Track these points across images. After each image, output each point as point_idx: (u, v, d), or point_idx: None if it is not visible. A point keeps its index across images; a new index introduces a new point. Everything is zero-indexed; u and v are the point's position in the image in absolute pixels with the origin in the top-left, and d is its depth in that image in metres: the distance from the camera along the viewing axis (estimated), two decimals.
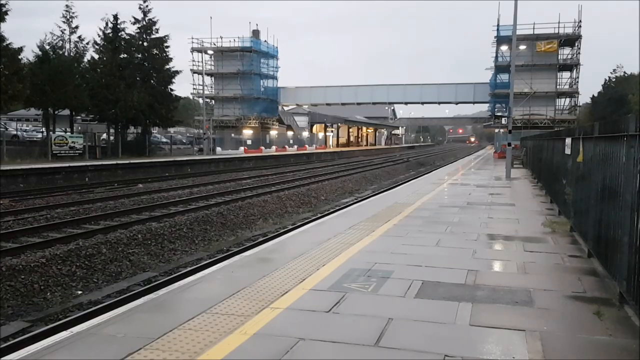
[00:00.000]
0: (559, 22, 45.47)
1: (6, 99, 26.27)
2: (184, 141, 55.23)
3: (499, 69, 47.01)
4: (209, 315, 4.73)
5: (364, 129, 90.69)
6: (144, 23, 38.34)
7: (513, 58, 25.54)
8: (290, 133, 63.10)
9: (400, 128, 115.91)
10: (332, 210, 16.75)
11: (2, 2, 25.94)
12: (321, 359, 3.86)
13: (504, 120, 47.55)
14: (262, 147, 50.06)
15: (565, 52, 46.73)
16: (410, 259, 6.97)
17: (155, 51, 38.74)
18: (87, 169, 25.55)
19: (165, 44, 39.00)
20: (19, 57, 27.69)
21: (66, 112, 33.98)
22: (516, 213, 11.49)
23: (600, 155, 6.35)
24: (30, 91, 28.48)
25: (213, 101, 58.66)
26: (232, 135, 53.14)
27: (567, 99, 48.20)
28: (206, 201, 17.60)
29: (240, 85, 55.49)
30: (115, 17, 36.71)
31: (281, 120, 64.31)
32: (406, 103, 66.85)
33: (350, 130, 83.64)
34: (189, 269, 9.59)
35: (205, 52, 54.00)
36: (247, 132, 53.25)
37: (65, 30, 34.13)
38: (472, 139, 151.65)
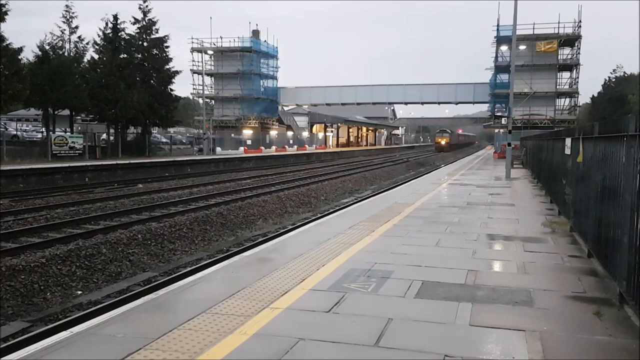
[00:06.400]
0: (558, 22, 45.52)
1: (6, 99, 26.25)
2: (184, 141, 55.28)
3: (499, 69, 47.03)
4: (208, 316, 4.73)
5: (364, 129, 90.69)
6: (144, 23, 38.34)
7: (513, 58, 25.55)
8: (290, 133, 63.09)
9: (400, 128, 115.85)
10: (332, 210, 16.74)
11: (2, 2, 25.94)
12: (321, 359, 3.86)
13: (503, 120, 47.56)
14: (262, 147, 50.05)
15: (565, 52, 46.77)
16: (410, 259, 6.97)
17: (155, 51, 38.75)
18: (87, 169, 25.54)
19: (165, 44, 39.03)
20: (19, 57, 27.68)
21: (66, 112, 33.99)
22: (516, 213, 11.48)
23: (600, 156, 6.35)
24: (30, 91, 28.45)
25: (213, 101, 58.69)
26: (232, 135, 53.14)
27: (567, 99, 48.24)
28: (206, 201, 17.59)
29: (240, 86, 55.51)
30: (115, 17, 36.77)
31: (281, 120, 64.33)
32: (406, 103, 66.85)
33: (350, 130, 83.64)
34: (189, 269, 9.59)
35: (205, 52, 54.04)
36: (247, 132, 53.24)
37: (65, 30, 34.17)
38: (443, 142, 79.90)
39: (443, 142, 79.54)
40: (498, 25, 45.55)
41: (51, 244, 10.62)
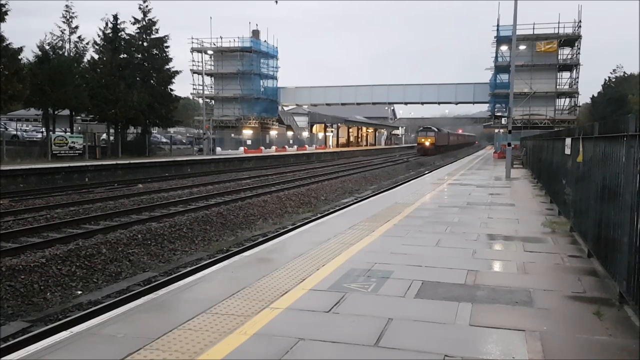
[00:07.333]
0: (558, 22, 45.52)
1: (6, 99, 26.25)
2: (184, 141, 55.30)
3: (499, 69, 47.05)
4: (208, 316, 4.73)
5: (364, 129, 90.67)
6: (144, 23, 38.34)
7: (513, 58, 25.56)
8: (290, 133, 63.09)
9: (400, 128, 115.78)
10: (332, 210, 16.73)
11: (2, 2, 25.94)
12: (321, 359, 3.86)
13: (503, 120, 47.58)
14: (262, 147, 50.06)
15: (565, 52, 46.80)
16: (410, 259, 6.97)
17: (155, 51, 38.75)
18: (87, 169, 25.54)
19: (165, 44, 39.03)
20: (19, 57, 27.69)
21: (66, 112, 33.99)
22: (516, 213, 11.48)
23: (600, 155, 6.35)
24: (30, 91, 28.45)
25: (213, 101, 58.70)
26: (232, 135, 53.15)
27: (567, 99, 48.26)
28: (206, 201, 17.59)
29: (240, 86, 55.52)
30: (115, 17, 36.72)
31: (281, 120, 64.34)
32: (406, 103, 66.86)
33: (350, 130, 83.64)
34: (189, 269, 9.58)
35: (205, 52, 54.05)
36: (247, 132, 53.27)
37: (65, 30, 34.18)
38: (427, 143, 63.63)
39: (427, 144, 63.65)
40: (498, 25, 45.57)
41: (51, 244, 10.62)
